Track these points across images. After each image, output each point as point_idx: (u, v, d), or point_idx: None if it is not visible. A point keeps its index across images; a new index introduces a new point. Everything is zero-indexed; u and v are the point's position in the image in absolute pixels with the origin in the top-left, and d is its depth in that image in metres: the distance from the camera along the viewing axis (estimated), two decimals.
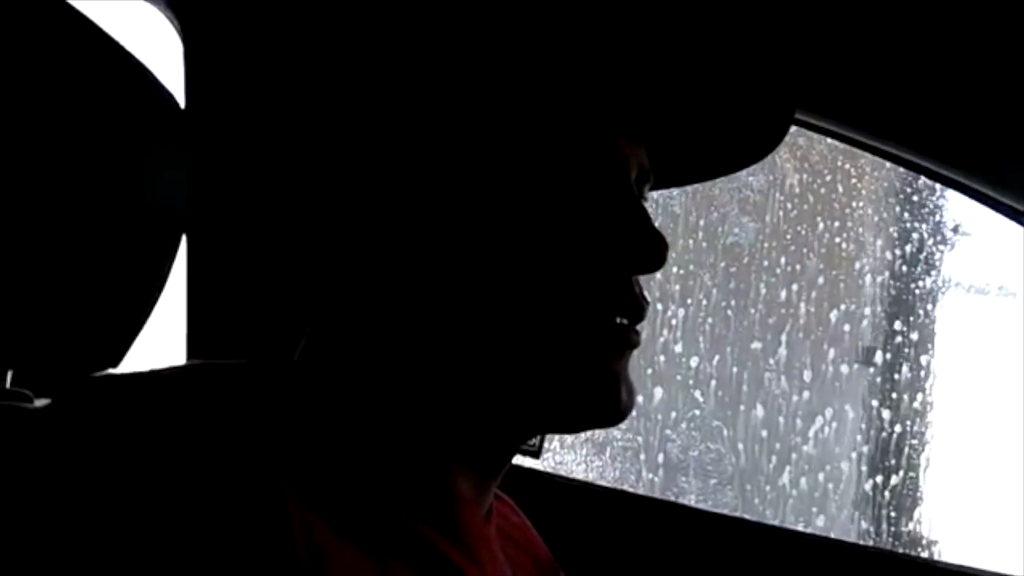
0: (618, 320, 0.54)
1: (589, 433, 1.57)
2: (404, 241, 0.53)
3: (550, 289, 0.52)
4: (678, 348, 1.58)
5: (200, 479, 0.44)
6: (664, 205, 1.62)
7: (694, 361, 1.57)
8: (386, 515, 0.51)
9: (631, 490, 1.32)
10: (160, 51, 1.03)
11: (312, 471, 0.49)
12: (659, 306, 1.58)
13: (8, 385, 0.77)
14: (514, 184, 0.52)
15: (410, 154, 0.54)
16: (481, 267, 0.52)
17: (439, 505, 0.54)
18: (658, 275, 1.58)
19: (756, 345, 1.63)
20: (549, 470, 1.45)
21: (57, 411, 0.48)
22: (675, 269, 1.58)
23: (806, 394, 1.60)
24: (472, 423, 0.55)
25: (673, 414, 1.61)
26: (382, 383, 0.54)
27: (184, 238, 0.70)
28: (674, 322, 1.60)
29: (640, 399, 1.61)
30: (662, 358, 1.57)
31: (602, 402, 0.54)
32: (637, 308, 0.55)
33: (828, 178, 1.59)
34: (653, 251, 0.54)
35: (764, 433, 1.65)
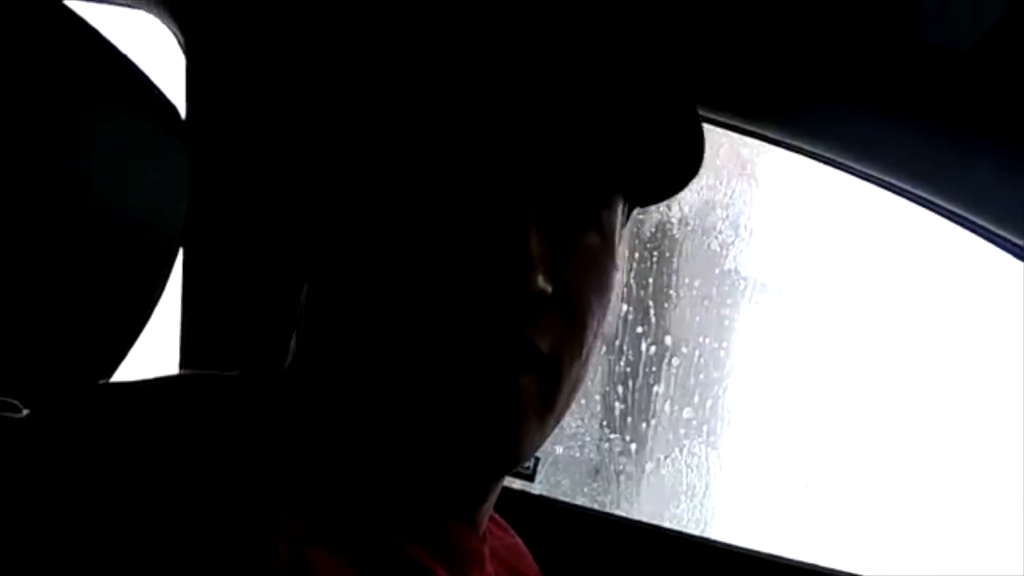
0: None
1: (581, 454, 1.55)
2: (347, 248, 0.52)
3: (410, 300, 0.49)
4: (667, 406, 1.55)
5: (183, 493, 0.43)
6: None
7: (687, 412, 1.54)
8: (374, 533, 0.50)
9: (624, 515, 1.31)
10: (163, 63, 1.03)
11: (300, 486, 0.49)
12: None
13: None
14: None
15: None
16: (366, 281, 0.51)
17: (427, 523, 0.53)
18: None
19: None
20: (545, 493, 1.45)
21: (40, 420, 0.48)
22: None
23: None
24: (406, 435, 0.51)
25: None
26: (356, 393, 0.52)
27: (180, 249, 0.70)
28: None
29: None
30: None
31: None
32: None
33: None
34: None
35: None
